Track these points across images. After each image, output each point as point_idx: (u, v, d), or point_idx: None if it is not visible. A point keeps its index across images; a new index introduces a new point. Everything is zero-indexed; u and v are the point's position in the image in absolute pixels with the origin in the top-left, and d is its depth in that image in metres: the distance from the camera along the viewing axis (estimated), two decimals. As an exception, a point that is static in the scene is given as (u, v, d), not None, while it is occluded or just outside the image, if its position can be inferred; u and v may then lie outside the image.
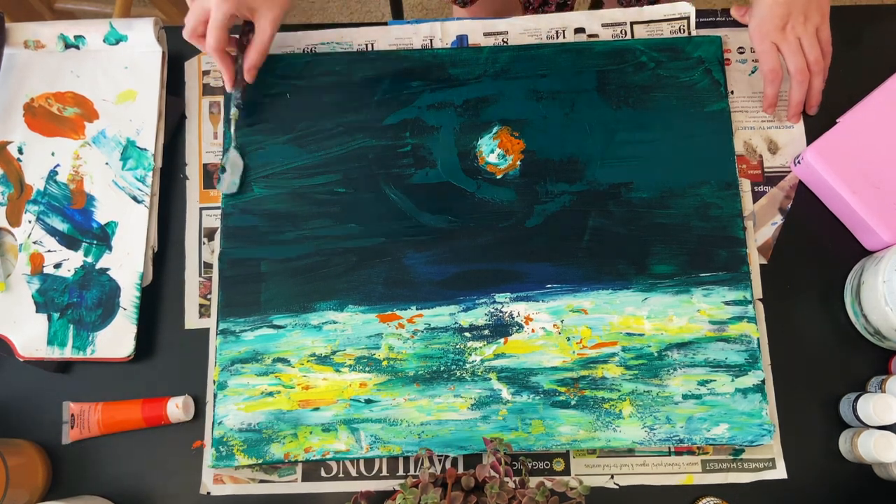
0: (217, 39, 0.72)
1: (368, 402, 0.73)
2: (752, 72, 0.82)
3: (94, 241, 0.77)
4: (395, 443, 0.71)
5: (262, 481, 0.73)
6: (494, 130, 0.79)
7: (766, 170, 0.80)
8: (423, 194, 0.78)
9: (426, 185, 0.78)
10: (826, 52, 0.77)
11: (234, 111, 0.78)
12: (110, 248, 0.77)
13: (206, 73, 0.84)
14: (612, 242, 0.76)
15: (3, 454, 0.67)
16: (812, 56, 0.76)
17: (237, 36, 0.77)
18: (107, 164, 0.79)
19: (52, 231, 0.77)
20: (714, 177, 0.78)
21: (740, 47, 0.83)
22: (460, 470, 0.73)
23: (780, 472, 0.72)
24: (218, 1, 0.71)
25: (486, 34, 0.84)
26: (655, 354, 0.73)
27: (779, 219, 0.79)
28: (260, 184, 0.78)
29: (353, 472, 0.73)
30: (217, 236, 0.78)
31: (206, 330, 0.77)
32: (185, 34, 0.74)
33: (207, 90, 0.83)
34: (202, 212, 0.80)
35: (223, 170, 0.77)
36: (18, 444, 0.72)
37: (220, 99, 0.83)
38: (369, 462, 0.74)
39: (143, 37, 0.81)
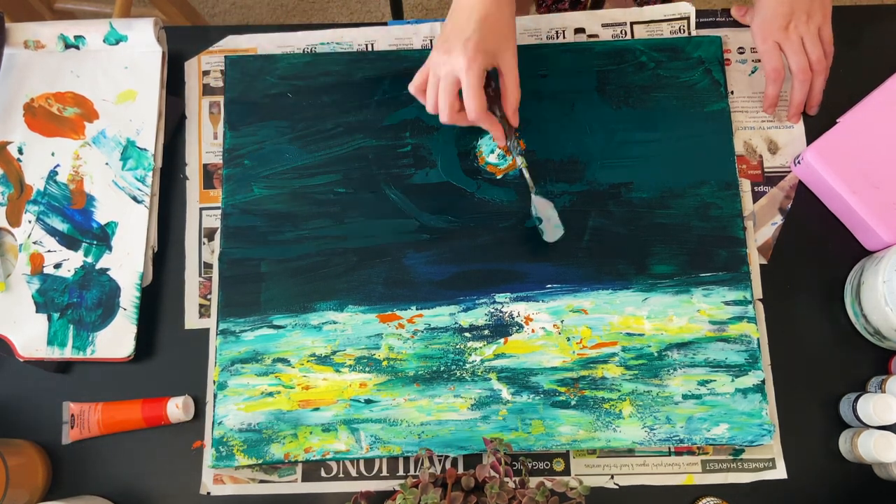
0: (480, 102, 0.67)
1: (368, 402, 0.73)
2: (752, 72, 0.82)
3: (94, 242, 0.77)
4: (395, 443, 0.71)
5: (262, 481, 0.73)
6: (494, 130, 0.79)
7: (766, 170, 0.80)
8: (423, 194, 0.78)
9: (426, 186, 0.78)
10: (828, 52, 0.77)
11: (521, 160, 0.73)
12: (110, 249, 0.77)
13: (206, 73, 0.84)
14: (612, 242, 0.76)
15: (3, 454, 0.67)
16: (814, 55, 0.76)
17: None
18: (107, 164, 0.79)
19: (52, 231, 0.77)
20: (714, 177, 0.78)
21: (740, 47, 0.83)
22: (460, 470, 0.73)
23: (780, 473, 0.72)
24: (467, 63, 0.66)
25: (486, 34, 0.84)
26: (655, 354, 0.73)
27: (779, 219, 0.79)
28: (260, 184, 0.78)
29: (353, 473, 0.73)
30: (217, 236, 0.78)
31: (206, 330, 0.77)
32: (445, 118, 0.69)
33: (207, 90, 0.83)
34: (202, 212, 0.80)
35: (538, 220, 0.74)
36: (18, 445, 0.72)
37: (220, 99, 0.83)
38: (369, 462, 0.74)
39: (143, 37, 0.81)
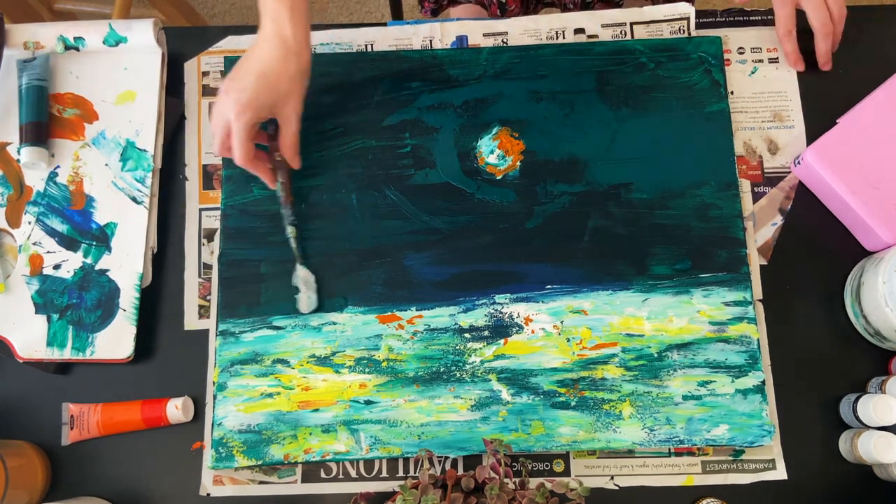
0: (245, 152, 0.69)
1: (368, 403, 0.72)
2: (753, 72, 0.82)
3: (94, 242, 0.77)
4: (395, 444, 0.71)
5: (261, 482, 0.73)
6: (494, 131, 0.79)
7: (765, 170, 0.80)
8: (422, 195, 0.78)
9: (426, 186, 0.78)
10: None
11: (290, 230, 0.75)
12: (110, 249, 0.77)
13: (205, 73, 0.84)
14: (612, 243, 0.76)
15: (2, 455, 0.67)
16: (835, 7, 0.77)
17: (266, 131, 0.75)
18: (106, 165, 0.79)
19: (51, 232, 0.77)
20: (714, 177, 0.77)
21: (740, 47, 0.83)
22: (460, 471, 0.73)
23: (780, 473, 0.72)
24: (235, 116, 0.67)
25: (485, 35, 0.84)
26: (655, 355, 0.73)
27: (779, 219, 0.79)
28: (259, 185, 0.78)
29: (353, 474, 0.73)
30: (217, 237, 0.78)
31: (206, 331, 0.77)
32: (216, 152, 0.72)
33: (207, 91, 0.83)
34: (202, 213, 0.80)
35: (296, 289, 0.74)
36: (18, 446, 0.72)
37: (220, 100, 0.83)
38: (369, 463, 0.73)
39: (142, 38, 0.81)
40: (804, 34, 0.80)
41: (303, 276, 0.75)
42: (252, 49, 0.70)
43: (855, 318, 0.74)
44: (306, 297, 0.74)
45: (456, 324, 0.74)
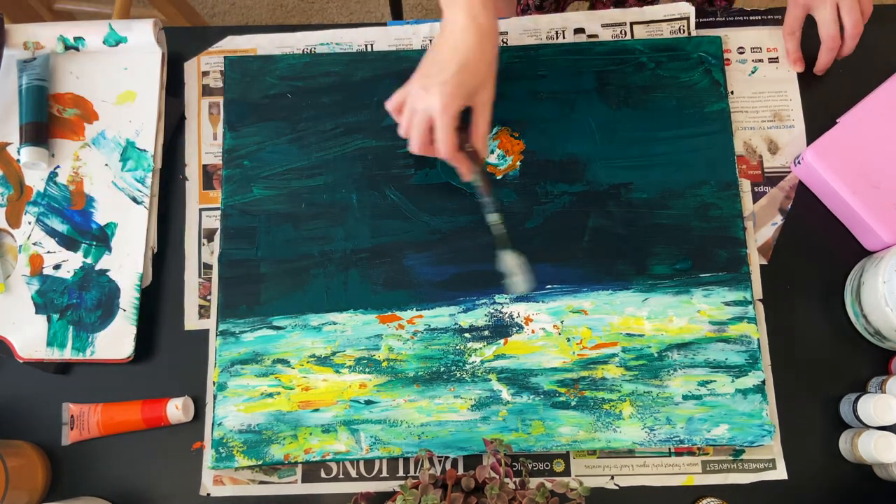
0: (450, 143, 0.68)
1: (368, 403, 0.73)
2: (753, 72, 0.82)
3: (94, 243, 0.77)
4: (395, 444, 0.71)
5: (261, 482, 0.73)
6: (494, 131, 0.79)
7: (766, 170, 0.80)
8: (422, 195, 0.78)
9: (426, 186, 0.78)
10: (866, 13, 0.77)
11: (495, 217, 0.73)
12: (110, 250, 0.77)
13: (205, 73, 0.84)
14: (612, 243, 0.76)
15: (2, 456, 0.67)
16: (850, 23, 0.76)
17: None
18: (106, 165, 0.79)
19: (51, 232, 0.77)
20: (714, 177, 0.77)
21: (740, 47, 0.83)
22: (460, 471, 0.73)
23: (780, 473, 0.72)
24: (441, 107, 0.66)
25: (485, 35, 0.84)
26: (655, 355, 0.73)
27: (779, 219, 0.79)
28: (259, 185, 0.78)
29: (353, 474, 0.73)
30: (217, 237, 0.78)
31: (206, 331, 0.77)
32: (414, 150, 0.71)
33: (207, 91, 0.83)
34: (202, 213, 0.80)
35: (507, 273, 0.73)
36: (18, 446, 0.72)
37: (220, 100, 0.83)
38: (369, 463, 0.73)
39: (142, 38, 0.81)
40: (814, 35, 0.80)
41: (512, 261, 0.73)
42: (443, 41, 0.68)
43: (855, 317, 0.74)
44: (522, 280, 0.73)
45: (456, 324, 0.74)
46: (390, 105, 0.72)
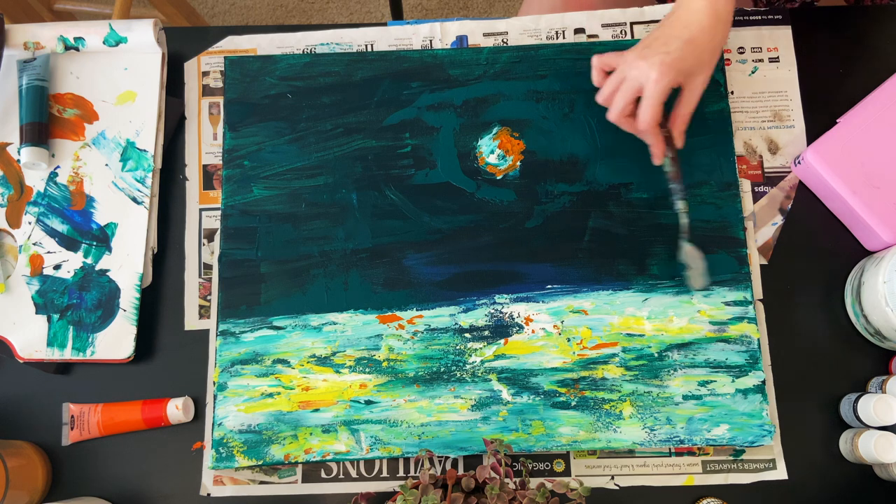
0: (655, 115, 0.68)
1: (368, 403, 0.73)
2: (753, 72, 0.82)
3: (94, 243, 0.77)
4: (396, 444, 0.71)
5: (262, 482, 0.73)
6: (494, 131, 0.79)
7: (766, 170, 0.80)
8: (422, 195, 0.78)
9: (426, 186, 0.78)
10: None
11: (681, 204, 0.73)
12: (110, 250, 0.77)
13: (205, 73, 0.84)
14: (612, 243, 0.76)
15: (2, 456, 0.67)
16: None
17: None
18: (106, 165, 0.79)
19: (51, 232, 0.77)
20: (714, 177, 0.77)
21: (740, 47, 0.83)
22: (461, 471, 0.73)
23: (780, 473, 0.72)
24: (658, 76, 0.66)
25: (485, 34, 0.84)
26: (656, 355, 0.73)
27: (779, 219, 0.79)
28: (259, 185, 0.78)
29: (354, 474, 0.73)
30: (217, 237, 0.78)
31: (206, 331, 0.77)
32: (613, 116, 0.70)
33: (207, 91, 0.83)
34: (202, 213, 0.80)
35: (685, 266, 0.73)
36: (18, 446, 0.72)
37: (220, 100, 0.83)
38: (369, 463, 0.73)
39: (142, 38, 0.81)
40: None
41: (690, 254, 0.73)
42: (674, 18, 0.69)
43: (855, 317, 0.74)
44: (699, 275, 0.73)
45: (456, 324, 0.74)
46: (598, 64, 0.71)
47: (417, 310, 0.75)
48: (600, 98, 0.71)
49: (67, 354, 0.74)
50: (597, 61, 0.72)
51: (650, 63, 0.66)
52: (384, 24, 0.85)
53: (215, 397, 0.73)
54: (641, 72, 0.67)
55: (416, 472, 0.73)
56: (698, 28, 0.67)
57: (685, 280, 0.74)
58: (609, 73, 0.71)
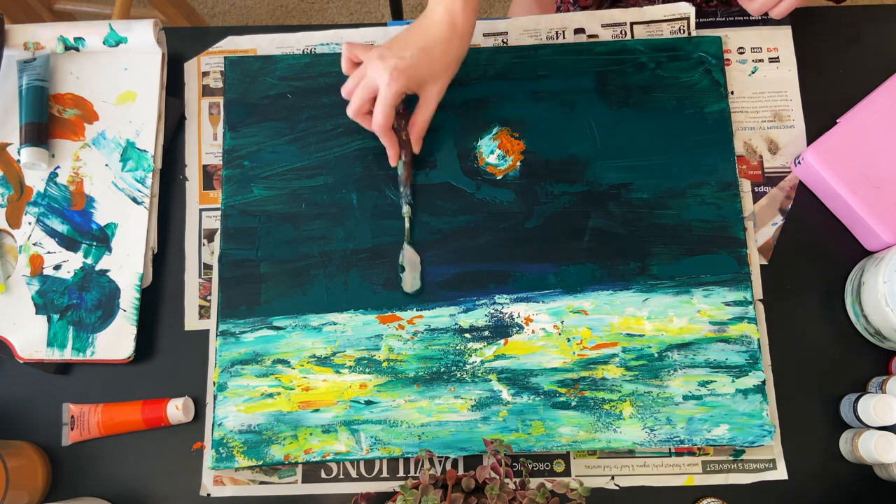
0: (387, 117, 0.71)
1: (368, 403, 0.72)
2: (753, 72, 0.82)
3: (94, 243, 0.77)
4: (396, 444, 0.71)
5: (262, 483, 0.73)
6: (494, 131, 0.79)
7: (766, 170, 0.80)
8: (422, 195, 0.78)
9: (426, 186, 0.78)
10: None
11: (406, 209, 0.76)
12: (110, 250, 0.77)
13: (205, 74, 0.84)
14: (613, 243, 0.76)
15: (2, 456, 0.67)
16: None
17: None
18: (106, 165, 0.79)
19: (51, 233, 0.77)
20: (714, 177, 0.77)
21: (740, 47, 0.83)
22: (461, 471, 0.73)
23: (780, 473, 0.72)
24: (389, 80, 0.69)
25: (485, 35, 0.84)
26: (656, 355, 0.73)
27: (779, 219, 0.79)
28: (259, 185, 0.78)
29: (354, 474, 0.73)
30: (217, 237, 0.78)
31: (206, 331, 0.77)
32: (351, 112, 0.73)
33: (207, 91, 0.83)
34: (202, 213, 0.80)
35: (402, 268, 0.75)
36: (18, 446, 0.72)
37: (220, 100, 0.83)
38: (369, 463, 0.73)
39: (142, 38, 0.81)
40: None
41: (409, 257, 0.75)
42: (416, 27, 0.72)
43: (855, 317, 0.74)
44: (410, 278, 0.75)
45: (456, 324, 0.74)
46: (348, 51, 0.74)
47: (417, 310, 0.75)
48: (344, 91, 0.74)
49: (67, 354, 0.74)
50: (346, 50, 0.74)
51: (385, 66, 0.69)
52: (384, 24, 0.85)
53: (215, 397, 0.73)
54: (377, 73, 0.70)
55: (416, 473, 0.73)
56: (435, 39, 0.70)
57: (400, 282, 0.75)
58: (358, 65, 0.74)
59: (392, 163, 0.76)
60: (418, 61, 0.70)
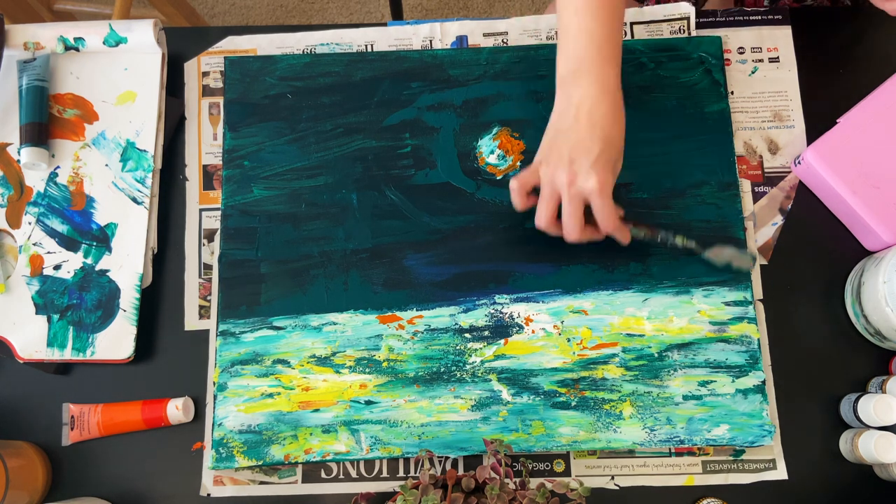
0: (616, 219, 0.67)
1: (368, 403, 0.72)
2: (753, 72, 0.82)
3: (94, 243, 0.77)
4: (396, 444, 0.71)
5: (262, 483, 0.73)
6: (494, 131, 0.79)
7: (766, 170, 0.80)
8: (422, 195, 0.78)
9: (426, 186, 0.78)
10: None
11: (679, 239, 0.73)
12: (110, 250, 0.77)
13: (205, 74, 0.84)
14: (613, 243, 0.76)
15: (2, 456, 0.67)
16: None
17: None
18: (106, 165, 0.79)
19: (51, 233, 0.77)
20: (714, 177, 0.77)
21: (740, 47, 0.83)
22: (461, 471, 0.73)
23: (780, 473, 0.72)
24: (600, 187, 0.64)
25: (485, 35, 0.84)
26: (656, 355, 0.73)
27: (779, 219, 0.79)
28: (259, 185, 0.78)
29: (354, 474, 0.73)
30: (217, 237, 0.78)
31: (206, 331, 0.77)
32: (574, 237, 0.67)
33: (207, 91, 0.83)
34: (202, 213, 0.80)
35: (729, 262, 0.72)
36: (18, 446, 0.72)
37: (220, 100, 0.83)
38: (369, 463, 0.73)
39: (142, 38, 0.81)
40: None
41: (727, 253, 0.73)
42: (572, 116, 0.66)
43: (855, 317, 0.74)
44: (744, 260, 0.74)
45: (456, 324, 0.74)
46: (518, 185, 0.68)
47: (417, 310, 0.75)
48: (541, 223, 0.69)
49: (67, 355, 0.74)
50: (518, 186, 0.69)
51: (589, 177, 0.65)
52: (384, 25, 0.85)
53: (215, 397, 0.73)
54: (583, 186, 0.65)
55: (416, 473, 0.73)
56: (604, 123, 0.65)
57: (739, 270, 0.74)
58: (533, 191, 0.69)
59: (626, 242, 0.71)
60: (608, 154, 0.65)
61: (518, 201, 0.69)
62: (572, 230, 0.67)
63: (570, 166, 0.65)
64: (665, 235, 0.73)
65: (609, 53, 0.65)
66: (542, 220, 0.68)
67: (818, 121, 0.80)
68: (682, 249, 0.74)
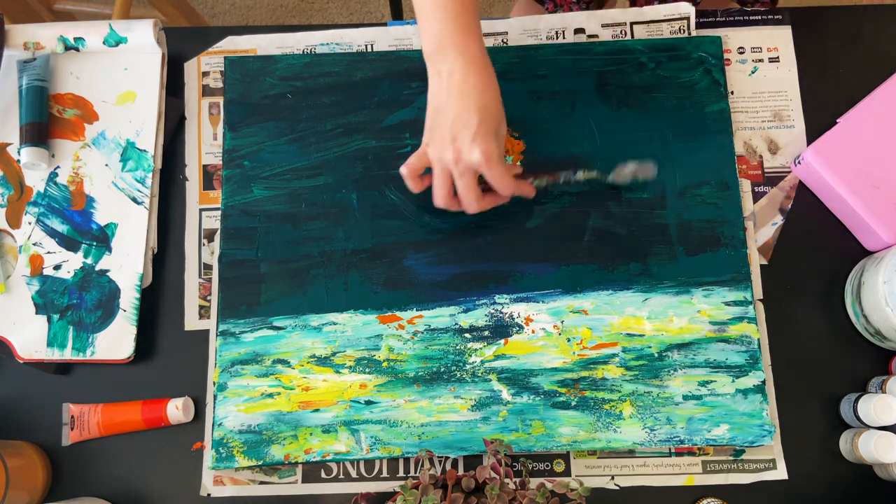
0: (514, 184, 0.68)
1: (368, 403, 0.73)
2: (753, 72, 0.82)
3: (94, 243, 0.77)
4: (396, 444, 0.71)
5: (262, 483, 0.73)
6: (494, 131, 0.79)
7: (766, 170, 0.80)
8: (422, 195, 0.78)
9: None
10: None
11: (581, 174, 0.74)
12: (110, 250, 0.77)
13: (205, 74, 0.84)
14: (613, 243, 0.76)
15: (2, 456, 0.67)
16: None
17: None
18: (106, 165, 0.79)
19: (51, 233, 0.77)
20: (714, 177, 0.77)
21: (740, 47, 0.83)
22: (461, 471, 0.73)
23: (780, 473, 0.72)
24: (487, 157, 0.65)
25: (485, 35, 0.84)
26: (656, 355, 0.73)
27: (779, 219, 0.79)
28: (259, 185, 0.78)
29: (354, 474, 0.73)
30: (217, 237, 0.78)
31: (206, 331, 0.77)
32: (474, 208, 0.69)
33: (207, 91, 0.83)
34: (202, 213, 0.80)
35: (629, 176, 0.74)
36: (18, 446, 0.72)
37: (220, 100, 0.83)
38: (369, 463, 0.73)
39: (142, 38, 0.81)
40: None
41: (627, 169, 0.75)
42: (445, 94, 0.67)
43: (855, 317, 0.74)
44: (645, 169, 0.75)
45: (456, 324, 0.74)
46: (409, 171, 0.70)
47: (417, 310, 0.75)
48: (439, 200, 0.70)
49: (67, 355, 0.74)
50: (408, 172, 0.70)
51: (472, 151, 0.65)
52: (384, 24, 0.85)
53: (215, 397, 0.73)
54: (470, 160, 0.66)
55: (416, 473, 0.73)
56: (477, 93, 0.66)
57: (645, 181, 0.75)
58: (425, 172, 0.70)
59: (531, 195, 0.73)
60: (487, 123, 0.65)
61: (412, 185, 0.71)
62: (471, 203, 0.69)
63: (454, 143, 0.66)
64: (567, 175, 0.74)
65: (466, 23, 0.66)
66: (440, 199, 0.70)
67: (818, 121, 0.80)
68: (585, 183, 0.75)
